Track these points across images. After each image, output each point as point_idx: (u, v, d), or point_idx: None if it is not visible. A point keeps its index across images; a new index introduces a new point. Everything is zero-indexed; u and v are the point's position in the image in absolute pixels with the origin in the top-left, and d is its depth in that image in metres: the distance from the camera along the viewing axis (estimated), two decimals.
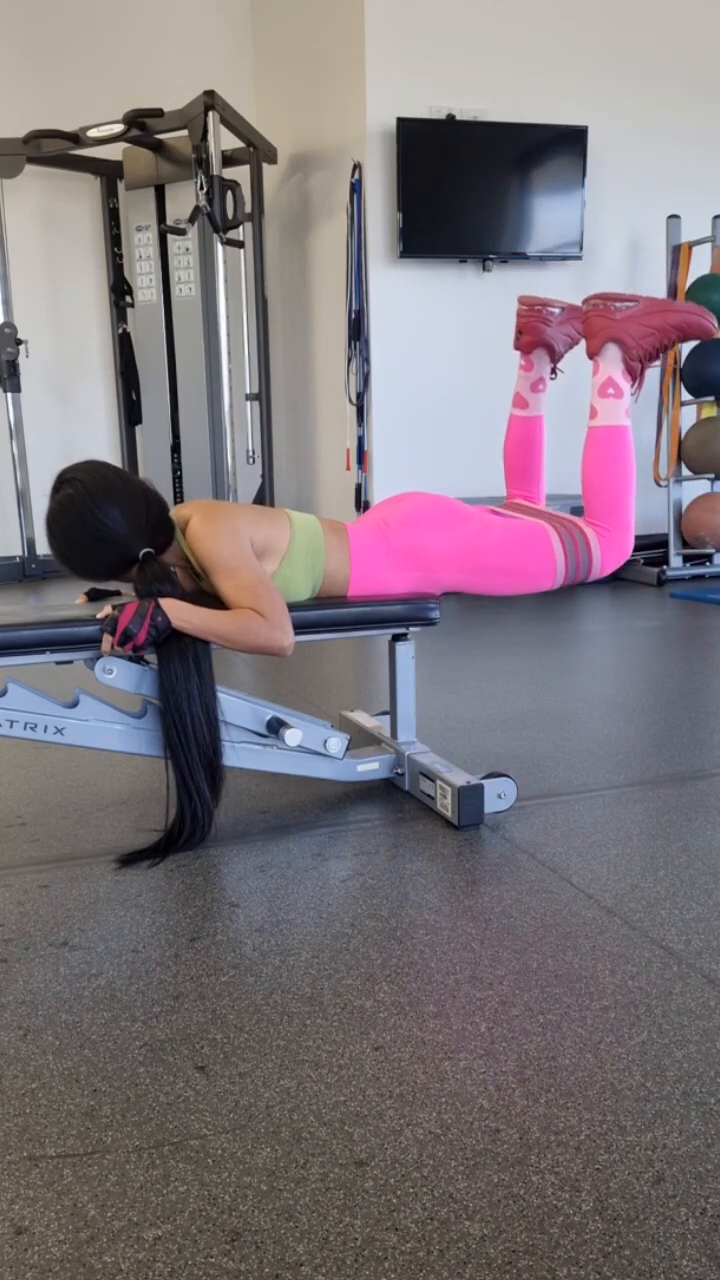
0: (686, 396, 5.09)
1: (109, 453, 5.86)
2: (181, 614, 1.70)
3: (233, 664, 3.26)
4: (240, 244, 5.12)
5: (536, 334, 2.13)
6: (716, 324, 1.93)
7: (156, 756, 1.81)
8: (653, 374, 5.41)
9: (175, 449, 5.51)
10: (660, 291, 5.30)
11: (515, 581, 1.94)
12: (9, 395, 5.29)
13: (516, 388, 2.20)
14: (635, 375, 1.94)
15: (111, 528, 1.70)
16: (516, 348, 2.16)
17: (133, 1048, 1.19)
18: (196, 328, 5.22)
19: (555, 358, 2.17)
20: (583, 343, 2.07)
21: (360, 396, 5.01)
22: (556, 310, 2.13)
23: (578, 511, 5.19)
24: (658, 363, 1.95)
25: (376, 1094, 1.09)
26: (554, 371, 2.18)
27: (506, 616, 4.14)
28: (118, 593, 1.96)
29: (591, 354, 1.95)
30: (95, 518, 1.69)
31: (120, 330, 5.67)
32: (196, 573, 1.85)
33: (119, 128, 4.82)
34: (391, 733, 2.09)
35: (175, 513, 1.84)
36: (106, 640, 1.69)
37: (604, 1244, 0.88)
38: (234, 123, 4.86)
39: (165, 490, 5.52)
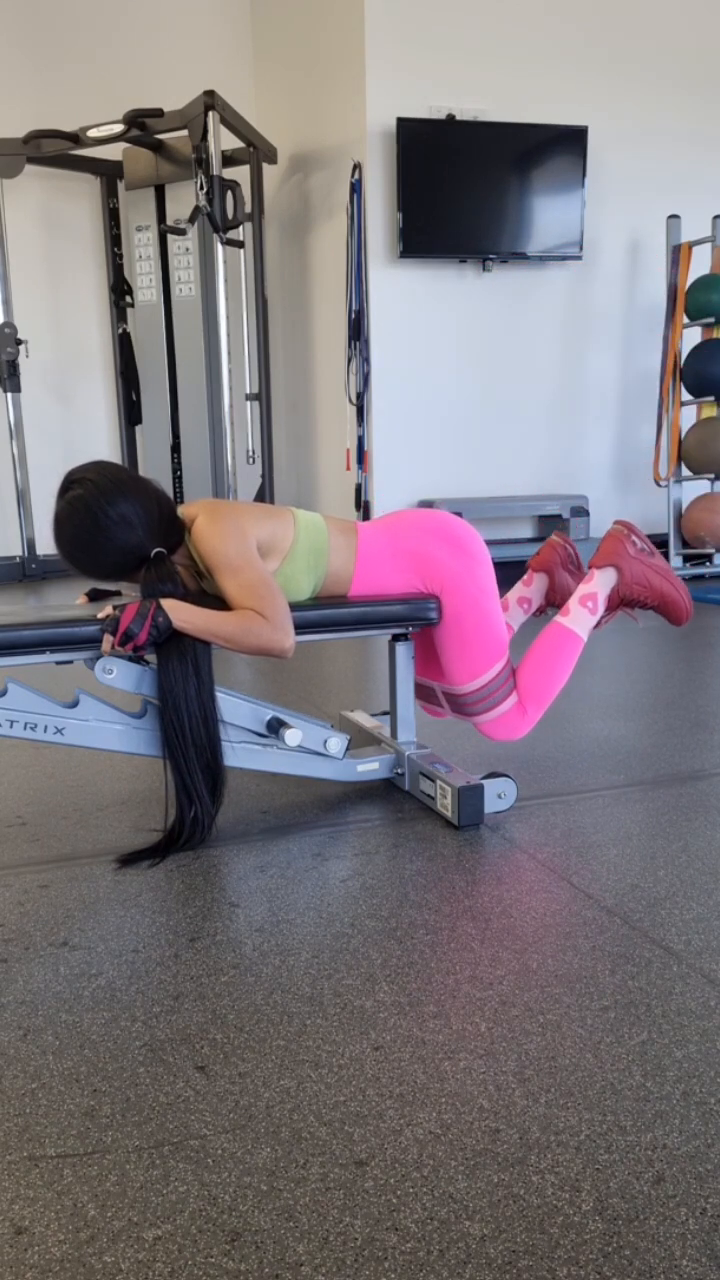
0: (686, 396, 5.09)
1: (109, 453, 5.86)
2: (183, 614, 1.70)
3: (233, 664, 3.26)
4: (240, 244, 5.12)
5: (551, 562, 2.23)
6: (690, 613, 2.07)
7: (156, 756, 1.81)
8: (653, 373, 5.42)
9: (175, 449, 5.51)
10: (660, 295, 5.30)
11: (455, 650, 1.93)
12: (9, 395, 5.29)
13: (508, 594, 2.27)
14: (611, 607, 2.05)
15: (124, 527, 1.70)
16: (529, 564, 2.26)
17: (133, 1048, 1.19)
18: (196, 328, 5.22)
19: (550, 598, 2.25)
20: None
21: (360, 396, 5.01)
22: (576, 562, 2.23)
23: (578, 511, 5.19)
24: (630, 612, 2.10)
25: (376, 1094, 1.09)
26: (541, 610, 2.27)
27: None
28: (118, 593, 1.96)
29: (593, 565, 2.05)
30: (108, 517, 1.69)
31: (120, 330, 5.67)
32: (200, 573, 1.85)
33: (119, 128, 4.82)
34: (391, 733, 2.09)
35: (181, 512, 1.84)
36: (107, 640, 1.69)
37: (604, 1244, 0.88)
38: (234, 123, 4.86)
39: (165, 490, 5.51)
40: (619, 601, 2.05)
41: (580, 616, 2.01)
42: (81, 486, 1.71)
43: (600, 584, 2.03)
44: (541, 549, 2.25)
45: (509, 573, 5.21)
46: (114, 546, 1.71)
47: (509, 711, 1.97)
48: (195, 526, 1.78)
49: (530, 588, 2.25)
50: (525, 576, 2.25)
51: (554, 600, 2.24)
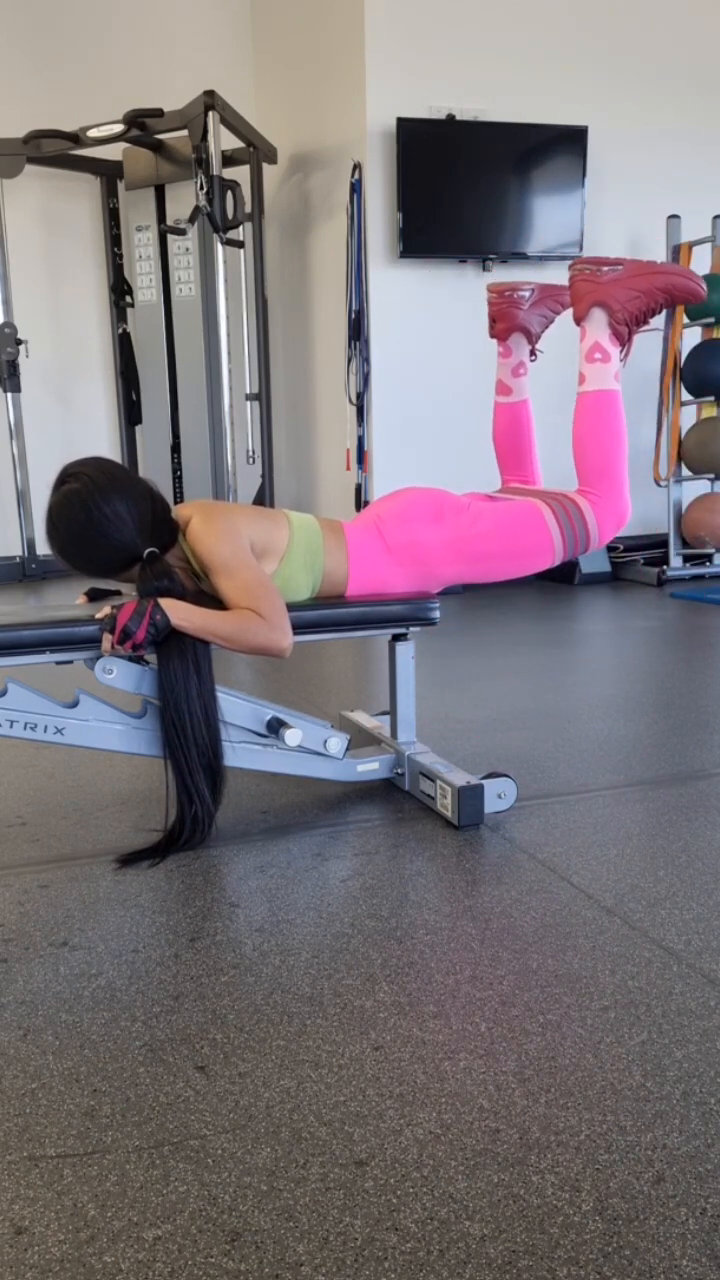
0: (686, 396, 5.09)
1: (109, 453, 5.86)
2: (180, 613, 1.70)
3: (233, 664, 3.26)
4: (240, 244, 5.12)
5: (510, 320, 2.11)
6: (705, 287, 1.90)
7: (156, 756, 1.81)
8: (653, 373, 5.42)
9: (175, 449, 5.51)
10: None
11: (514, 564, 1.93)
12: (9, 395, 5.29)
13: (498, 375, 2.18)
14: (623, 340, 1.91)
15: (117, 524, 1.70)
16: (492, 336, 2.15)
17: (133, 1048, 1.19)
18: (196, 328, 5.22)
19: (532, 340, 2.16)
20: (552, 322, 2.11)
21: (360, 396, 5.01)
22: (527, 293, 2.11)
23: None
24: (647, 326, 1.93)
25: (376, 1094, 1.09)
26: (533, 353, 2.16)
27: (507, 616, 4.14)
28: (118, 592, 1.96)
29: (578, 319, 1.93)
30: (101, 512, 1.69)
31: (120, 330, 5.67)
32: (196, 573, 1.85)
33: (119, 128, 4.82)
34: (391, 733, 2.09)
35: (175, 513, 1.84)
36: (106, 640, 1.69)
37: (604, 1244, 0.88)
38: (234, 123, 4.86)
39: (165, 490, 5.51)
40: (626, 329, 1.91)
41: (597, 372, 1.90)
42: (77, 481, 1.71)
43: (596, 330, 1.90)
44: (492, 315, 2.12)
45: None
46: (106, 542, 1.71)
47: (596, 515, 1.90)
48: (189, 528, 1.78)
49: (511, 355, 2.14)
50: (500, 350, 2.14)
51: (537, 336, 2.14)
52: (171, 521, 1.80)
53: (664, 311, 1.89)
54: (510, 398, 2.16)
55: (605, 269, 1.89)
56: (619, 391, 1.89)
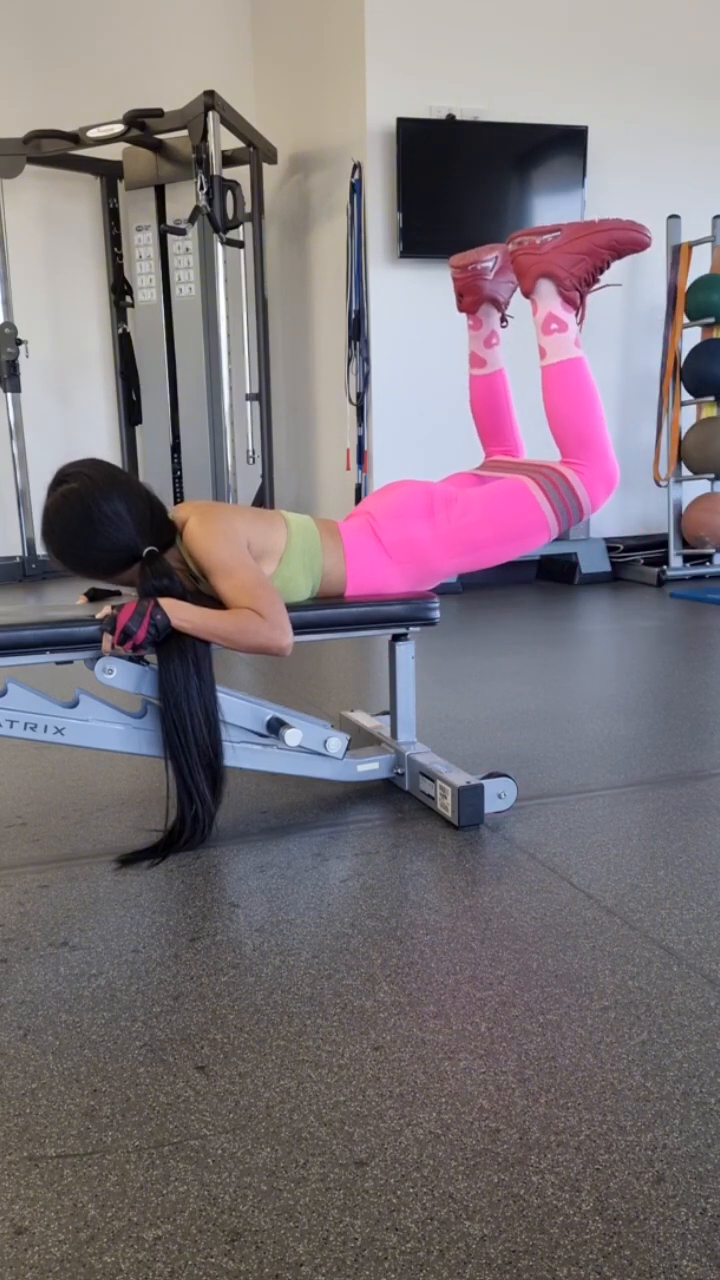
0: (686, 396, 5.09)
1: (109, 453, 5.86)
2: (180, 613, 1.70)
3: (233, 664, 3.26)
4: (240, 244, 5.12)
5: (477, 292, 2.09)
6: (648, 234, 1.87)
7: (156, 756, 1.81)
8: (653, 373, 5.42)
9: (175, 449, 5.51)
10: (660, 295, 5.30)
11: (511, 547, 1.91)
12: (9, 395, 5.29)
13: (470, 348, 2.15)
14: (575, 305, 1.89)
15: (116, 523, 1.70)
16: (461, 310, 2.12)
17: (133, 1048, 1.19)
18: (196, 328, 5.22)
19: (501, 307, 2.13)
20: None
21: (360, 396, 5.01)
22: (490, 262, 2.08)
23: None
24: (598, 286, 1.91)
25: (376, 1094, 1.09)
26: (504, 320, 2.13)
27: (507, 616, 4.14)
28: (118, 593, 1.96)
29: (526, 293, 1.91)
30: (101, 511, 1.69)
31: (120, 330, 5.67)
32: (195, 574, 1.85)
33: (119, 128, 4.82)
34: (391, 733, 2.09)
35: (173, 514, 1.84)
36: (106, 640, 1.69)
37: (604, 1244, 0.88)
38: (234, 123, 4.86)
39: (165, 490, 5.52)
40: (576, 293, 1.89)
41: (556, 343, 1.87)
42: (75, 480, 1.71)
43: (546, 301, 1.88)
44: (458, 290, 2.10)
45: (508, 574, 5.22)
46: (104, 542, 1.71)
47: (586, 483, 1.88)
48: (187, 529, 1.78)
49: (482, 327, 2.12)
50: (470, 322, 2.12)
51: (505, 303, 2.13)
52: (169, 522, 1.80)
53: (610, 266, 1.87)
54: (485, 369, 2.13)
55: (544, 238, 1.86)
56: (583, 358, 1.87)
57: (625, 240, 1.86)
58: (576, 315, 1.89)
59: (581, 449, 1.89)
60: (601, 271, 1.88)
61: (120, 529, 1.71)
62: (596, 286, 1.89)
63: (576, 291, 1.88)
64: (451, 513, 1.91)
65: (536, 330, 1.91)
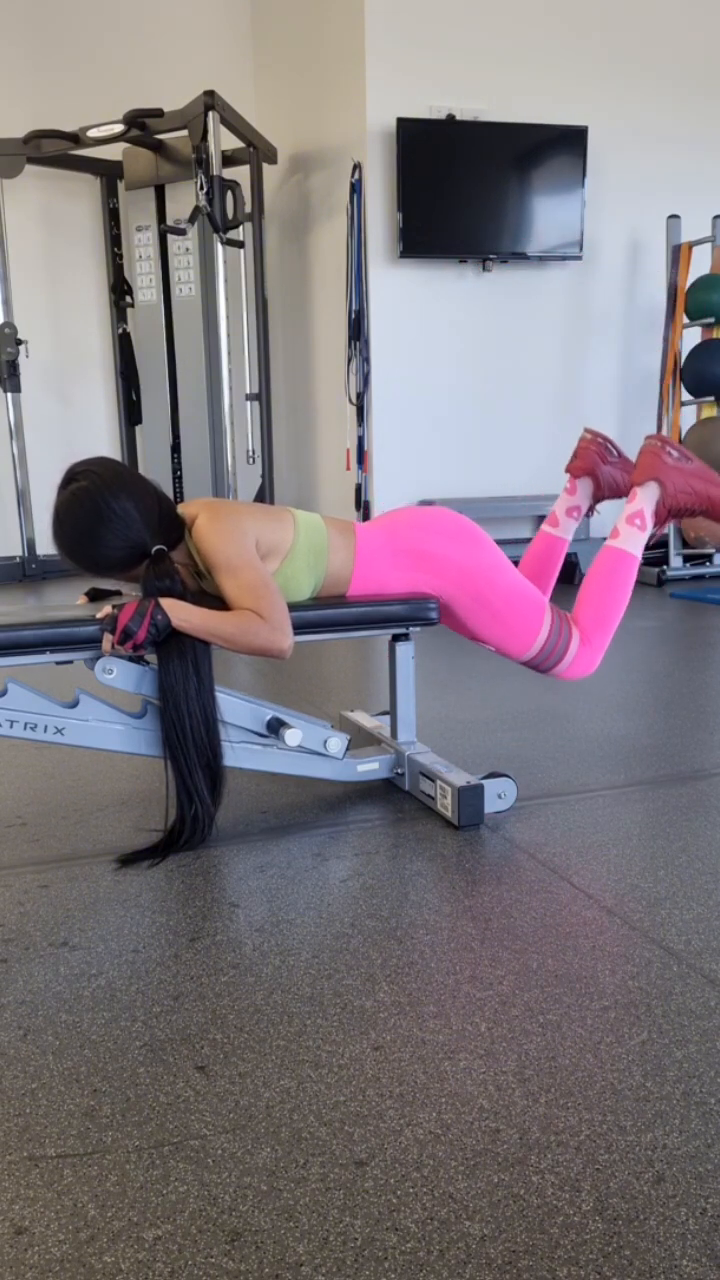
0: (686, 396, 5.09)
1: (109, 453, 5.86)
2: (181, 613, 1.70)
3: (233, 664, 3.26)
4: (240, 244, 5.12)
5: (590, 463, 2.18)
6: None
7: (156, 756, 1.81)
8: (653, 373, 5.42)
9: (175, 449, 5.51)
10: (660, 295, 5.30)
11: (497, 630, 1.94)
12: (9, 395, 5.29)
13: (554, 507, 2.23)
14: (660, 521, 2.02)
15: (127, 520, 1.70)
16: (567, 469, 2.21)
17: (133, 1048, 1.19)
18: (196, 328, 5.22)
19: (598, 495, 2.22)
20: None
21: (360, 396, 5.01)
22: (615, 453, 2.19)
23: None
24: (677, 521, 2.03)
25: (376, 1094, 1.09)
26: (592, 510, 2.23)
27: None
28: (118, 593, 1.96)
29: (634, 483, 2.03)
30: (110, 509, 1.69)
31: (120, 330, 5.67)
32: (199, 572, 1.85)
33: (119, 128, 4.82)
34: (391, 733, 2.09)
35: (180, 510, 1.84)
36: (107, 640, 1.69)
37: (604, 1244, 0.88)
38: (234, 123, 4.86)
39: (165, 490, 5.51)
40: (667, 513, 2.01)
41: (631, 535, 1.99)
42: (85, 479, 1.71)
43: (645, 499, 2.00)
44: (577, 451, 2.20)
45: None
46: (115, 540, 1.71)
47: (577, 654, 1.97)
48: (195, 526, 1.78)
49: (575, 495, 2.20)
50: (568, 485, 2.21)
51: (602, 496, 2.20)
52: (179, 519, 1.80)
53: (696, 516, 2.05)
54: (556, 530, 2.21)
55: (675, 455, 2.01)
56: (639, 559, 1.99)
57: None
58: (654, 528, 2.01)
59: (593, 630, 1.98)
60: (691, 514, 2.01)
61: (130, 526, 1.71)
62: (677, 521, 2.02)
63: (667, 511, 2.00)
64: (483, 555, 1.92)
65: (622, 514, 2.02)
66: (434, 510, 1.98)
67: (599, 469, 2.17)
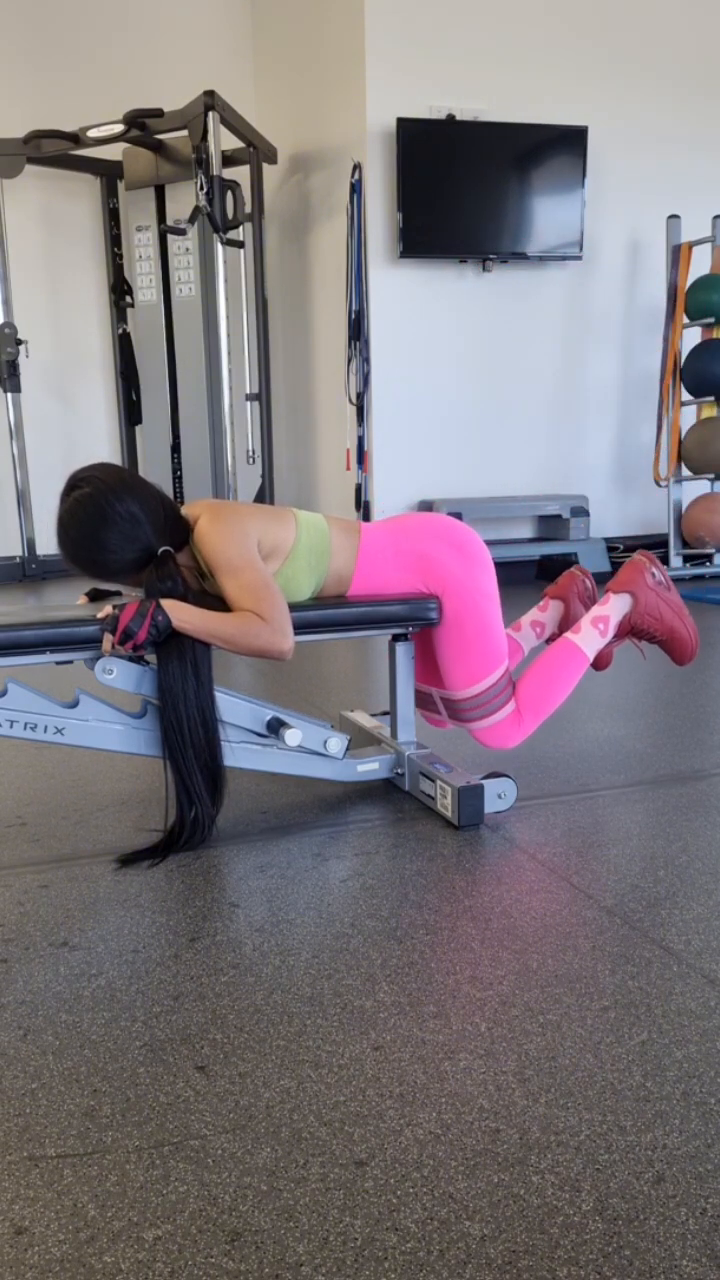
0: (686, 396, 5.09)
1: (109, 453, 5.86)
2: (182, 614, 1.70)
3: (233, 664, 3.26)
4: (240, 244, 5.12)
5: (565, 594, 2.24)
6: (695, 657, 2.08)
7: (156, 756, 1.81)
8: (653, 373, 5.42)
9: (175, 449, 5.51)
10: (660, 295, 5.30)
11: (453, 654, 1.92)
12: (9, 395, 5.29)
13: (526, 615, 2.27)
14: (621, 634, 2.07)
15: (132, 525, 1.71)
16: (545, 591, 2.28)
17: (133, 1048, 1.19)
18: (196, 328, 5.22)
19: (563, 626, 2.25)
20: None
21: (360, 396, 5.01)
22: (591, 591, 2.25)
23: (577, 511, 5.19)
24: (637, 643, 2.12)
25: (376, 1094, 1.09)
26: (554, 638, 2.25)
27: (507, 616, 4.14)
28: (119, 593, 1.96)
29: (609, 589, 2.07)
30: (116, 512, 1.69)
31: (120, 330, 5.67)
32: (201, 573, 1.85)
33: (119, 128, 4.83)
34: (391, 733, 2.09)
35: (185, 512, 1.84)
36: (107, 640, 1.69)
37: (604, 1244, 0.88)
38: (234, 123, 4.86)
39: (165, 490, 5.52)
40: (629, 629, 2.06)
41: (590, 636, 2.01)
42: (89, 485, 1.71)
43: (615, 608, 2.04)
44: (560, 578, 2.26)
45: (508, 573, 5.21)
46: (122, 543, 1.71)
47: (505, 719, 1.96)
48: (198, 527, 1.78)
49: (545, 613, 2.25)
50: (541, 603, 2.26)
51: (568, 628, 2.24)
52: (183, 521, 1.80)
53: (654, 641, 2.11)
54: (517, 635, 2.24)
55: (658, 576, 2.07)
56: (589, 661, 2.02)
57: (682, 642, 2.07)
58: (613, 639, 2.06)
59: (528, 709, 1.98)
60: (652, 639, 2.07)
61: (136, 529, 1.71)
62: (635, 641, 2.09)
63: (629, 627, 2.06)
64: (479, 571, 1.92)
65: (588, 615, 2.07)
66: (445, 519, 1.98)
67: (573, 601, 2.23)
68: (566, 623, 2.24)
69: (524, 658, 2.24)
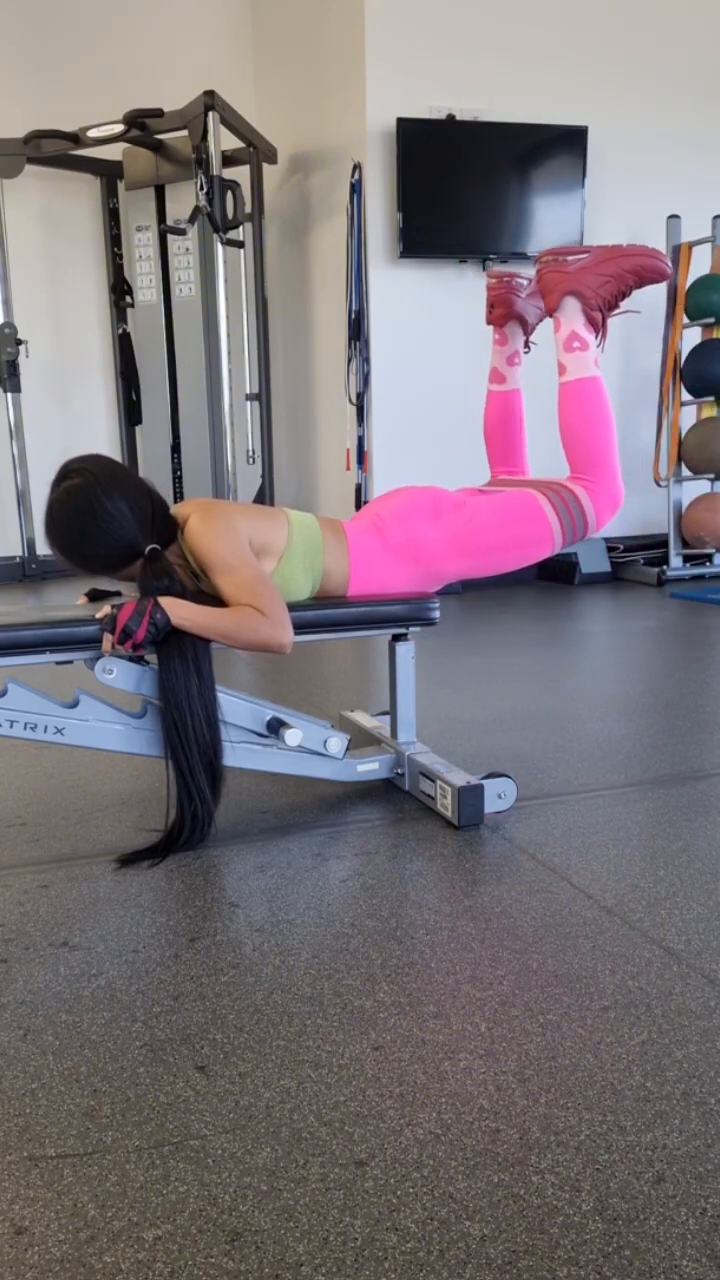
0: (686, 396, 5.09)
1: (109, 453, 5.86)
2: (181, 611, 1.70)
3: (233, 664, 3.26)
4: (240, 244, 5.12)
5: (508, 306, 2.12)
6: (669, 265, 1.91)
7: (156, 756, 1.81)
8: (653, 373, 5.42)
9: (175, 449, 5.51)
10: (660, 295, 5.30)
11: (516, 555, 1.92)
12: (9, 395, 5.29)
13: (493, 362, 2.18)
14: (598, 326, 1.93)
15: (119, 519, 1.71)
16: (489, 322, 2.15)
17: (133, 1048, 1.19)
18: (196, 328, 5.22)
19: (528, 330, 2.16)
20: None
21: (360, 396, 5.01)
22: (525, 281, 2.12)
23: None
24: (619, 311, 1.96)
25: (376, 1094, 1.09)
26: (527, 345, 2.16)
27: (506, 616, 4.14)
28: (118, 593, 1.96)
29: (550, 310, 1.94)
30: (104, 507, 1.69)
31: (120, 330, 5.67)
32: (195, 572, 1.85)
33: (119, 128, 4.82)
34: (391, 733, 2.09)
35: (174, 511, 1.84)
36: (107, 640, 1.69)
37: (604, 1244, 0.88)
38: (234, 123, 4.86)
39: (165, 490, 5.52)
40: (602, 318, 1.92)
41: (577, 361, 1.90)
42: (79, 476, 1.71)
43: (570, 319, 1.91)
44: (490, 301, 2.13)
45: (508, 574, 5.22)
46: (108, 538, 1.71)
47: (593, 500, 1.91)
48: (188, 526, 1.78)
49: (507, 344, 2.15)
50: (496, 337, 2.15)
51: (531, 329, 2.15)
52: (171, 519, 1.80)
53: (633, 293, 1.93)
54: (503, 386, 2.16)
55: (572, 258, 1.91)
56: (600, 377, 1.90)
57: (649, 268, 1.90)
58: (598, 336, 1.92)
59: (592, 467, 1.91)
60: (625, 296, 1.91)
61: (122, 525, 1.71)
62: (618, 311, 1.93)
63: (599, 312, 1.91)
64: (458, 516, 1.91)
65: (558, 347, 1.93)
66: (405, 494, 1.96)
67: (517, 306, 2.11)
68: (528, 325, 2.13)
69: (521, 395, 2.15)
